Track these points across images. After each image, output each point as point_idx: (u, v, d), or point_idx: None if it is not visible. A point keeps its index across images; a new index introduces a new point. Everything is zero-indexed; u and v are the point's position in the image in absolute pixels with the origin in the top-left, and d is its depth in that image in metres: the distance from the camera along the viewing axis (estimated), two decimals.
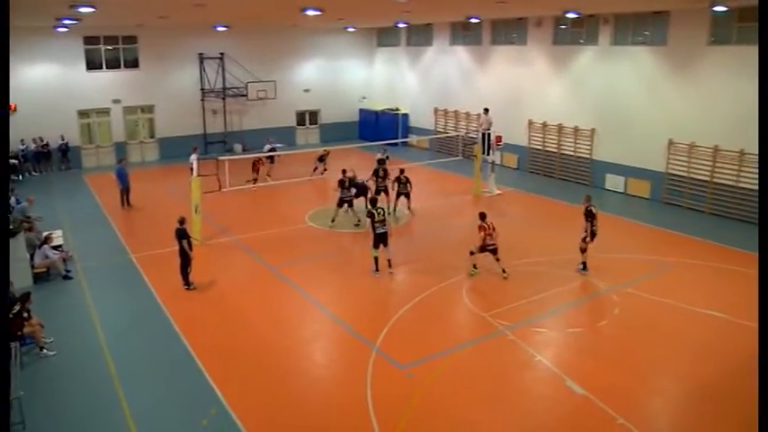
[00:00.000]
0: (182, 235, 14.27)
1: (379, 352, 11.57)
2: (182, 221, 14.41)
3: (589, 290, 14.63)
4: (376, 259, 15.43)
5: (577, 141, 25.97)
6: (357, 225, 19.25)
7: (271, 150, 25.47)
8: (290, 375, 10.95)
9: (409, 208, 20.77)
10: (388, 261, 15.54)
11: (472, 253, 15.27)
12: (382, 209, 15.51)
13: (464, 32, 31.51)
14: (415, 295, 14.26)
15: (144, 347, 12.03)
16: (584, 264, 15.39)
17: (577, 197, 22.98)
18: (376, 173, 20.57)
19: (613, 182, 24.52)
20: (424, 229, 19.74)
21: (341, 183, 19.25)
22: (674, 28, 21.82)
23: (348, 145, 29.14)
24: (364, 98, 37.40)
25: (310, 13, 19.88)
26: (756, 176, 19.84)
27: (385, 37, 37.53)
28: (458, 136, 29.19)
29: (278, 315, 13.44)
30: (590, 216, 15.57)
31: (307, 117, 37.05)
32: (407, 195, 20.58)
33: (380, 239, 15.24)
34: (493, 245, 15.12)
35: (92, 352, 11.75)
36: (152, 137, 32.05)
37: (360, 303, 14.14)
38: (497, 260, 15.19)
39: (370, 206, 15.50)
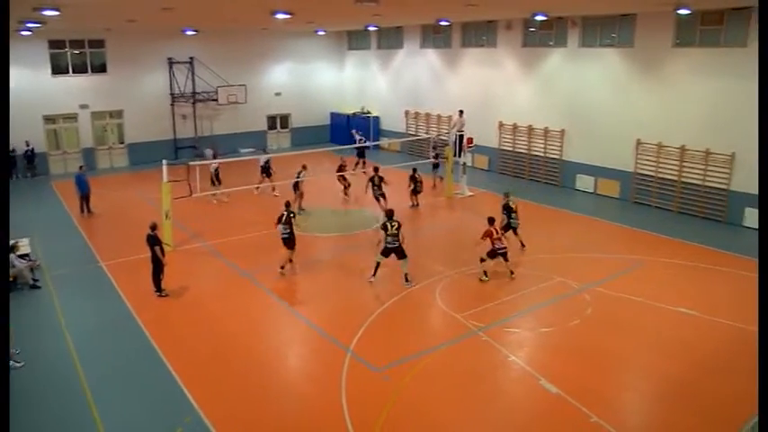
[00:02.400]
0: (153, 241, 14.10)
1: (354, 355, 11.54)
2: (153, 227, 14.24)
3: (561, 289, 14.76)
4: (377, 265, 15.12)
5: (547, 142, 26.23)
6: None
7: (266, 163, 24.62)
8: (265, 380, 10.87)
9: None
10: (405, 275, 15.04)
11: (483, 260, 15.17)
12: (396, 222, 14.94)
13: (434, 35, 31.65)
14: (389, 298, 14.26)
15: (116, 357, 11.84)
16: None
17: (548, 198, 23.38)
18: (372, 180, 21.02)
19: (583, 182, 24.81)
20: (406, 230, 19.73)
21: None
22: (640, 30, 22.18)
23: (320, 149, 28.99)
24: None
25: (280, 16, 19.80)
26: (722, 175, 20.27)
27: (355, 40, 37.54)
28: (429, 138, 29.31)
29: (251, 320, 13.34)
30: (507, 210, 17.04)
31: (278, 121, 36.91)
32: (384, 196, 20.66)
33: (391, 252, 14.92)
34: (504, 248, 15.14)
35: (62, 362, 11.53)
36: (121, 142, 31.60)
37: (333, 307, 14.09)
38: (506, 260, 15.25)
39: (385, 218, 15.13)
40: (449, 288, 14.86)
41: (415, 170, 22.27)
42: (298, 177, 21.45)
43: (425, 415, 9.77)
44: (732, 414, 9.65)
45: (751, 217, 19.54)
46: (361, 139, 26.41)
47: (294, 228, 15.76)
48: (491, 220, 15.32)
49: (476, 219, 20.92)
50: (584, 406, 9.78)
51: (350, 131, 25.68)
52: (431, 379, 10.82)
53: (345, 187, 23.55)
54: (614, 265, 16.42)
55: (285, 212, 15.69)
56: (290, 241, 15.70)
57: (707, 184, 20.73)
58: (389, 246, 14.84)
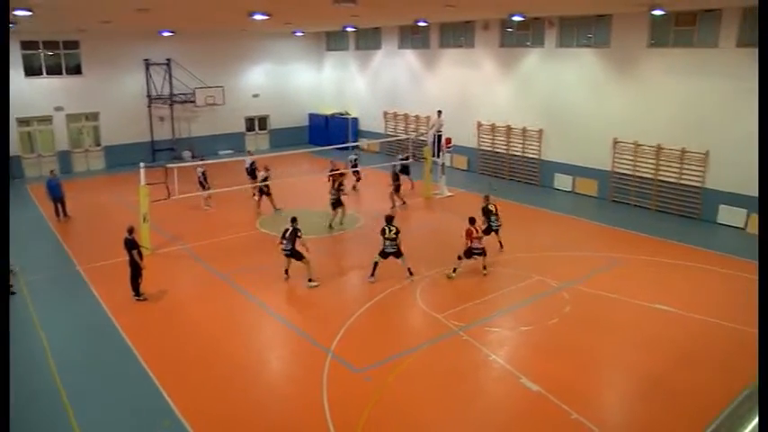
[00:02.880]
0: (131, 245, 13.94)
1: (335, 356, 11.51)
2: (130, 231, 14.08)
3: (540, 288, 14.84)
4: (376, 265, 15.24)
5: (526, 142, 26.37)
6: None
7: (251, 165, 24.09)
8: (246, 383, 10.80)
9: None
10: (409, 270, 15.31)
11: (460, 258, 15.36)
12: (395, 227, 15.11)
13: (412, 36, 31.69)
14: (369, 299, 14.25)
15: (94, 362, 11.68)
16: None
17: (527, 197, 23.50)
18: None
19: (562, 181, 24.99)
20: (376, 232, 19.69)
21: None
22: (616, 30, 22.39)
23: (298, 150, 28.90)
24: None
25: (258, 17, 19.71)
26: (697, 173, 20.54)
27: (334, 41, 37.47)
28: (408, 139, 29.32)
29: (231, 323, 13.24)
30: (487, 213, 17.18)
31: (256, 122, 36.74)
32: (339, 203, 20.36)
33: (390, 255, 15.15)
34: (480, 249, 15.34)
35: (38, 369, 11.35)
36: (98, 145, 31.20)
37: (313, 309, 14.05)
38: (484, 255, 15.50)
39: (385, 223, 15.30)
40: (429, 288, 14.87)
41: (395, 167, 22.33)
42: (263, 180, 21.41)
43: (407, 415, 9.77)
44: (708, 407, 9.74)
45: (725, 214, 19.82)
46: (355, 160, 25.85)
47: (298, 244, 15.03)
48: (472, 220, 15.48)
49: (455, 219, 20.97)
50: (565, 403, 9.84)
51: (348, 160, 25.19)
52: (412, 379, 10.82)
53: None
54: (592, 263, 16.55)
55: (291, 227, 15.03)
56: (294, 255, 15.13)
57: (682, 182, 20.99)
58: (388, 250, 15.14)
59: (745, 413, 1.64)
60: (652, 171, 21.85)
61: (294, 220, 15.18)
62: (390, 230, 15.02)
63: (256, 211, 21.48)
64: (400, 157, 24.52)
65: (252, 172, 23.91)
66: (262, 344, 12.58)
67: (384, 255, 15.18)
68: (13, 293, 14.75)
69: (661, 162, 21.58)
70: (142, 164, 17.77)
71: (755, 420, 1.62)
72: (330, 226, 19.67)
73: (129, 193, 22.11)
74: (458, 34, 29.18)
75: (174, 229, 19.60)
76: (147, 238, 17.35)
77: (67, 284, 15.59)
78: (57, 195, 21.22)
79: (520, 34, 26.18)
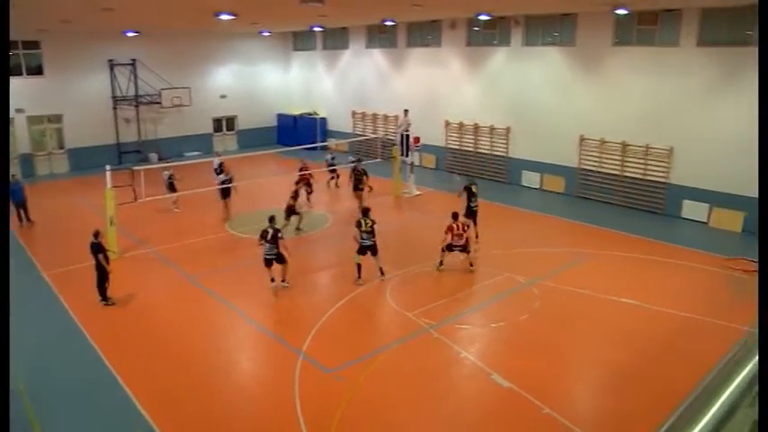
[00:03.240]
0: (97, 249, 13.67)
1: (306, 357, 11.44)
2: (96, 234, 13.81)
3: (509, 285, 14.94)
4: (359, 266, 14.94)
5: (493, 140, 26.55)
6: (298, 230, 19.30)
7: (219, 166, 23.13)
8: (217, 387, 10.66)
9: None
10: (380, 269, 15.10)
11: (444, 250, 15.54)
12: (371, 220, 14.92)
13: (380, 35, 31.69)
14: (339, 298, 14.17)
15: (61, 371, 11.37)
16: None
17: (495, 195, 23.65)
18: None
19: (529, 178, 25.20)
20: (344, 231, 19.65)
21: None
22: (581, 29, 22.67)
23: (266, 151, 28.71)
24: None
25: (224, 17, 19.55)
26: (662, 169, 20.88)
27: (301, 41, 37.30)
28: (376, 138, 29.32)
29: (201, 326, 13.06)
30: (469, 192, 17.94)
31: (224, 123, 36.38)
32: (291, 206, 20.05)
33: (367, 250, 14.90)
34: (461, 245, 15.40)
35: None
36: (61, 148, 30.58)
37: (284, 310, 13.96)
38: (468, 252, 15.59)
39: (360, 215, 15.18)
40: (399, 287, 14.87)
41: (355, 162, 22.38)
42: (223, 183, 20.90)
43: (380, 414, 9.75)
44: (677, 397, 9.91)
45: (689, 209, 20.19)
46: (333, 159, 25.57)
47: (281, 246, 14.37)
48: (455, 216, 15.57)
49: (424, 218, 21.14)
50: (536, 398, 9.91)
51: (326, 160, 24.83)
52: (384, 378, 10.80)
53: (309, 193, 22.60)
54: (561, 258, 16.72)
55: (271, 229, 14.26)
56: (278, 259, 14.48)
57: (647, 177, 21.33)
58: (364, 243, 14.85)
59: (742, 359, 1.69)
60: (618, 167, 22.16)
61: (272, 219, 14.65)
62: (366, 223, 14.84)
63: (223, 216, 20.95)
64: (351, 159, 24.24)
65: (220, 172, 23.61)
66: (232, 346, 12.44)
67: (362, 250, 14.89)
68: None
69: (626, 158, 21.89)
70: (108, 166, 17.46)
71: (752, 363, 1.66)
72: (297, 228, 19.39)
73: (94, 197, 21.70)
74: (425, 33, 29.26)
75: (142, 233, 19.32)
76: (114, 242, 17.03)
77: (31, 291, 15.19)
78: (19, 200, 20.71)
79: (486, 33, 26.34)
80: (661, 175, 20.93)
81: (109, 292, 14.04)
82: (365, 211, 15.30)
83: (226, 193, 20.99)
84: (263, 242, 14.31)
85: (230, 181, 20.97)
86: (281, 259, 14.47)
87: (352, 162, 23.16)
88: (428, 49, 29.18)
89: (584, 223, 20.15)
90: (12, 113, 28.49)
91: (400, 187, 24.13)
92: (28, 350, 12.22)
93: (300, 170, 22.59)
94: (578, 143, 23.18)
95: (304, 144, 27.94)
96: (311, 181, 22.48)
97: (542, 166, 24.68)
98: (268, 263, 14.43)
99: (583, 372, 11.26)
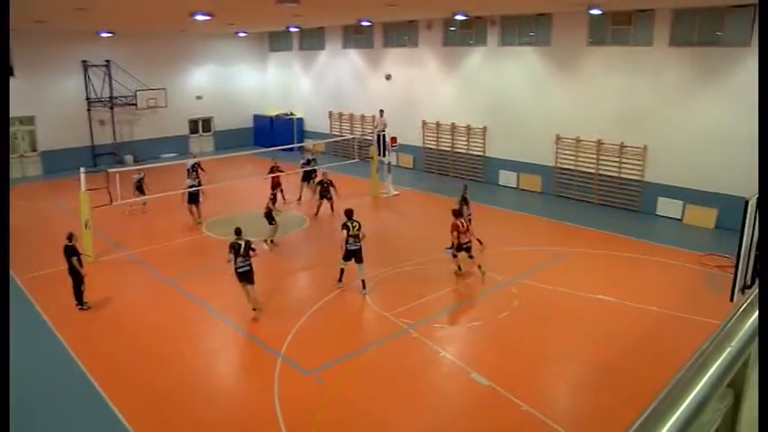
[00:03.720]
0: (71, 252, 13.49)
1: (285, 359, 11.40)
2: (70, 237, 13.61)
3: (487, 283, 15.02)
4: (342, 271, 14.50)
5: (470, 140, 26.68)
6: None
7: (192, 167, 22.57)
8: (195, 390, 10.59)
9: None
10: (362, 281, 14.40)
11: (455, 255, 15.09)
12: (357, 222, 14.26)
13: (356, 35, 31.67)
14: (317, 300, 14.15)
15: (37, 380, 11.14)
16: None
17: (473, 194, 23.44)
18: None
19: (506, 177, 25.35)
20: (323, 232, 19.67)
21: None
22: (556, 29, 22.86)
23: (243, 152, 28.51)
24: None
25: (199, 17, 19.41)
26: (636, 167, 21.13)
27: (277, 41, 37.17)
28: (353, 138, 29.32)
29: (179, 329, 12.95)
30: (465, 201, 17.30)
31: (200, 125, 36.11)
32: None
33: (353, 255, 14.25)
34: (468, 242, 15.01)
35: None
36: (34, 150, 30.09)
37: (262, 311, 13.89)
38: (471, 257, 15.09)
39: (345, 217, 14.40)
40: (377, 287, 14.86)
41: (324, 173, 21.42)
42: (191, 187, 19.98)
43: (360, 414, 9.76)
44: (654, 392, 10.04)
45: (663, 206, 20.45)
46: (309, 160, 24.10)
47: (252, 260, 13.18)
48: (456, 213, 15.08)
49: (402, 218, 21.20)
50: (515, 396, 9.97)
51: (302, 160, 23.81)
52: (363, 379, 10.82)
53: (281, 192, 21.75)
54: (538, 257, 16.85)
55: (243, 242, 13.03)
56: (249, 275, 13.13)
57: (622, 176, 21.57)
58: (351, 248, 14.16)
59: (712, 353, 1.74)
60: (593, 166, 22.38)
61: (239, 231, 13.33)
62: (354, 226, 14.18)
63: (194, 219, 20.23)
64: (303, 161, 23.48)
65: (194, 171, 23.34)
66: (211, 349, 12.35)
67: (348, 256, 14.27)
68: None
69: (602, 157, 22.12)
70: (82, 169, 17.24)
71: (722, 357, 1.71)
72: (271, 241, 18.30)
73: (68, 200, 21.45)
74: (401, 34, 29.30)
75: (118, 236, 19.10)
76: (89, 245, 16.84)
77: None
78: None
79: (463, 33, 26.46)
80: (636, 172, 21.18)
81: (84, 297, 13.86)
82: (349, 214, 14.49)
83: (193, 198, 19.94)
84: (231, 257, 12.95)
85: (199, 184, 20.24)
86: (250, 278, 13.09)
87: (307, 162, 22.94)
88: (405, 49, 29.23)
89: (562, 222, 20.32)
90: None
91: (378, 187, 24.14)
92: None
93: (271, 170, 21.97)
94: (554, 142, 23.36)
95: (281, 145, 27.82)
96: (279, 180, 21.78)
97: (519, 165, 24.84)
98: (244, 276, 13.03)
99: (561, 369, 11.36)
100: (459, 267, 15.29)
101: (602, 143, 21.96)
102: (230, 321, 13.28)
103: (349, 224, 14.26)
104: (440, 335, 12.46)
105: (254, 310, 13.30)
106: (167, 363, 11.57)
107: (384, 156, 24.39)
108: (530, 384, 10.53)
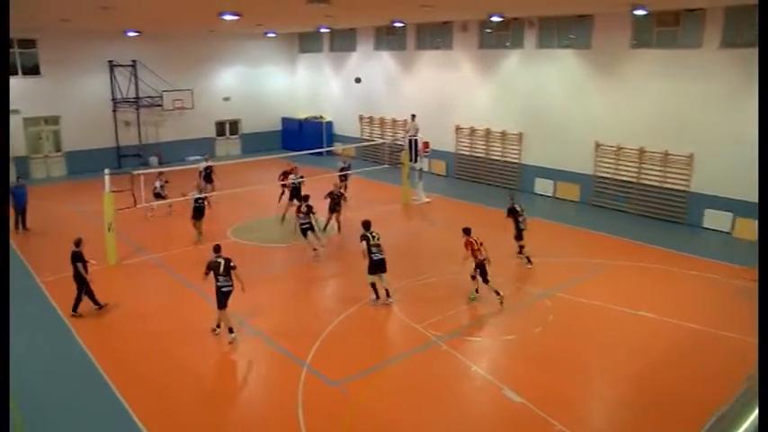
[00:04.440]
0: (77, 258, 13.70)
1: (310, 369, 11.43)
2: (77, 243, 13.82)
3: (522, 296, 14.92)
4: (374, 285, 14.31)
5: (505, 146, 26.57)
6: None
7: (206, 170, 23.36)
8: (217, 398, 10.69)
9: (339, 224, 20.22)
10: (386, 291, 14.34)
11: (473, 277, 14.45)
12: (377, 233, 14.30)
13: (388, 37, 31.80)
14: (345, 309, 14.19)
15: (55, 385, 11.37)
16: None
17: (506, 202, 23.54)
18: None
19: (542, 186, 25.19)
20: (352, 240, 19.65)
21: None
22: (597, 31, 22.69)
23: (271, 155, 28.74)
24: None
25: (228, 17, 19.66)
26: (681, 177, 20.82)
27: (307, 42, 37.46)
28: (384, 143, 29.36)
29: (201, 335, 13.03)
30: (513, 212, 17.02)
31: (227, 127, 36.56)
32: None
33: (379, 266, 14.12)
34: (484, 260, 14.33)
35: None
36: (58, 150, 30.79)
37: (288, 320, 13.97)
38: (487, 281, 14.29)
39: (363, 229, 14.37)
40: (407, 297, 14.85)
41: (335, 184, 20.54)
42: (198, 200, 19.24)
43: (386, 428, 9.74)
44: (695, 415, 9.85)
45: (711, 218, 20.10)
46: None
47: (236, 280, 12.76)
48: (467, 231, 14.65)
49: (433, 226, 21.16)
50: (549, 414, 9.87)
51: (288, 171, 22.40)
52: (391, 392, 10.80)
53: (281, 194, 21.76)
54: (575, 269, 16.69)
55: (222, 260, 12.68)
56: (229, 295, 12.68)
57: (666, 185, 21.27)
58: (376, 258, 14.06)
59: (742, 410, 1.69)
60: (635, 174, 22.12)
61: (218, 248, 13.02)
62: (374, 237, 14.18)
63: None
64: (342, 165, 23.34)
65: (208, 176, 23.63)
66: (235, 356, 12.43)
67: (374, 268, 14.10)
68: None
69: (644, 165, 21.85)
70: (107, 170, 17.54)
71: (752, 417, 1.67)
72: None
73: (92, 202, 21.81)
74: (435, 36, 29.34)
75: (141, 239, 19.36)
76: (112, 249, 17.14)
77: (25, 299, 15.13)
78: (21, 206, 20.68)
79: (499, 35, 26.41)
80: (681, 182, 20.86)
81: (82, 307, 13.98)
82: (367, 225, 14.45)
83: (198, 214, 19.24)
84: (218, 278, 12.57)
85: (204, 199, 19.46)
86: (228, 299, 12.69)
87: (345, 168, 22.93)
88: (439, 51, 29.26)
89: (600, 232, 20.11)
90: None
91: (409, 194, 24.14)
92: (20, 357, 12.27)
93: (284, 174, 21.56)
94: (594, 149, 23.15)
95: (309, 149, 28.00)
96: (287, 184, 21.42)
97: (556, 173, 24.67)
98: (226, 297, 12.60)
99: (597, 386, 11.22)
100: (477, 291, 14.61)
101: (645, 151, 21.69)
102: (255, 329, 13.35)
103: (369, 235, 14.21)
104: (471, 348, 12.40)
105: (218, 327, 12.88)
106: (187, 368, 11.68)
107: (415, 162, 24.40)
108: (564, 402, 10.41)
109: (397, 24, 27.98)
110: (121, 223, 18.14)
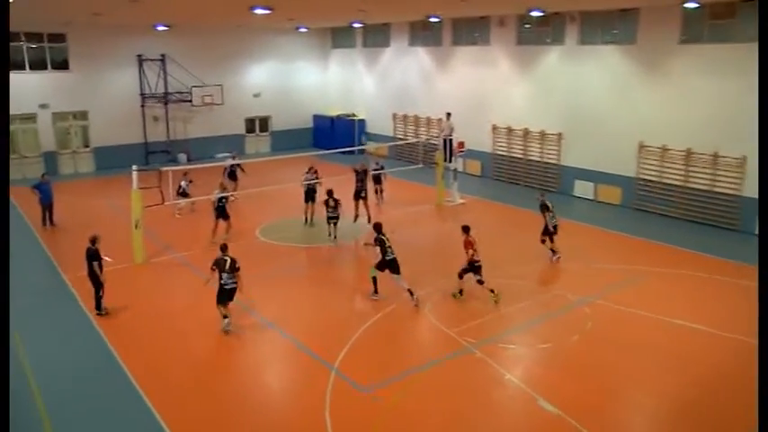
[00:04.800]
0: (93, 256, 13.82)
1: (339, 374, 11.42)
2: (93, 241, 13.96)
3: (559, 303, 14.73)
4: (374, 280, 14.77)
5: (544, 146, 26.33)
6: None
7: (232, 167, 23.85)
8: (243, 402, 10.70)
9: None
10: (409, 291, 14.54)
11: (461, 275, 14.78)
12: (387, 237, 14.79)
13: (424, 32, 31.73)
14: (376, 312, 14.17)
15: (80, 382, 11.50)
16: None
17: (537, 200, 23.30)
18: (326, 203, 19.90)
19: (582, 188, 24.91)
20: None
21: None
22: (643, 26, 22.33)
23: (301, 153, 28.84)
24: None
25: (259, 11, 19.79)
26: (733, 180, 20.38)
27: (340, 38, 37.59)
28: (418, 142, 29.31)
29: (228, 337, 13.11)
30: (545, 209, 17.31)
31: (257, 124, 36.84)
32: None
33: (389, 265, 14.53)
34: (479, 261, 14.64)
35: (18, 392, 10.90)
36: (86, 146, 31.36)
37: (316, 322, 13.97)
38: (481, 282, 14.62)
39: (375, 232, 14.84)
40: (440, 302, 14.78)
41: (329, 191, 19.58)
42: (220, 200, 19.26)
43: None
44: None
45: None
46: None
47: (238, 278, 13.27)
48: (466, 228, 14.82)
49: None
50: (585, 426, 9.71)
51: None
52: (421, 399, 10.71)
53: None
54: (615, 276, 16.43)
55: (228, 258, 13.13)
56: (233, 292, 13.22)
57: (716, 189, 20.84)
58: (389, 257, 14.50)
59: None
60: (681, 177, 21.73)
61: (225, 247, 13.53)
62: (387, 238, 14.66)
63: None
64: (375, 167, 23.41)
65: (232, 174, 23.84)
66: (261, 358, 12.48)
67: (383, 266, 14.57)
68: None
69: (691, 167, 21.46)
70: (135, 166, 17.78)
71: None
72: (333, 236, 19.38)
73: (119, 198, 22.16)
74: (472, 31, 29.21)
75: (168, 237, 19.59)
76: (139, 246, 17.37)
77: (51, 296, 15.45)
78: (47, 201, 21.11)
79: (538, 31, 26.19)
80: (732, 186, 20.40)
81: (104, 302, 14.16)
82: (379, 228, 14.85)
83: (222, 214, 19.32)
84: (221, 275, 13.01)
85: (226, 199, 19.51)
86: (233, 295, 13.24)
87: (375, 170, 22.97)
88: (475, 47, 29.12)
89: (643, 238, 19.78)
90: (35, 109, 29.25)
91: (443, 195, 24.07)
92: (46, 352, 12.50)
93: (309, 171, 21.59)
94: (637, 150, 22.82)
95: (341, 147, 28.05)
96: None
97: (597, 175, 24.36)
98: (229, 295, 13.12)
99: (636, 399, 10.97)
100: (461, 291, 14.88)
101: (693, 152, 21.29)
102: (282, 330, 13.41)
103: (383, 237, 14.65)
104: (505, 356, 12.27)
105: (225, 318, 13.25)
106: (213, 370, 11.77)
107: (450, 162, 24.31)
108: (601, 414, 10.23)
109: (433, 19, 27.92)
110: (149, 220, 18.37)
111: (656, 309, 14.12)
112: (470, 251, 14.57)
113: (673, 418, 10.28)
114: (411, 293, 14.53)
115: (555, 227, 17.37)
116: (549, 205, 17.40)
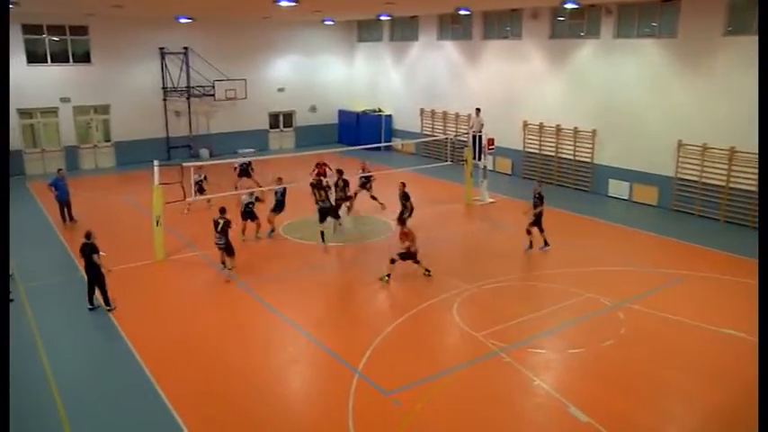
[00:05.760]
0: (91, 250, 14.05)
1: (362, 377, 11.44)
2: (88, 236, 14.22)
3: (592, 306, 14.61)
4: (323, 234, 18.23)
5: (577, 144, 26.14)
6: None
7: (245, 164, 23.88)
8: (264, 404, 10.77)
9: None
10: (426, 270, 16.14)
11: (393, 261, 15.91)
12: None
13: (453, 26, 31.67)
14: (401, 314, 14.17)
15: (99, 380, 11.68)
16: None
17: (577, 205, 23.23)
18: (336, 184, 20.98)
19: (617, 188, 24.69)
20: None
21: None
22: (684, 18, 22.04)
23: (326, 150, 28.91)
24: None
25: (284, 3, 19.89)
26: None
27: (366, 31, 37.65)
28: (446, 139, 29.23)
29: (249, 338, 13.26)
30: (540, 198, 18.00)
31: (281, 119, 37.02)
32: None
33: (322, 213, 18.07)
34: (416, 250, 15.96)
35: (36, 387, 11.35)
36: (107, 140, 31.74)
37: (340, 323, 14.03)
38: (417, 262, 16.01)
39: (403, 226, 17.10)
40: (467, 304, 14.74)
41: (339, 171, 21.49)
42: (249, 203, 19.19)
43: None
44: None
45: None
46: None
47: (230, 238, 16.40)
48: (401, 220, 17.40)
49: (497, 228, 20.96)
50: None
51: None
52: (447, 404, 10.70)
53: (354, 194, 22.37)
54: (651, 280, 16.26)
55: (222, 220, 16.21)
56: (228, 248, 16.42)
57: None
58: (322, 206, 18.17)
59: None
60: (723, 177, 21.43)
61: (223, 210, 16.45)
62: (327, 187, 17.81)
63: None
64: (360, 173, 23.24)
65: (244, 171, 23.81)
66: (283, 360, 12.51)
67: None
68: (12, 300, 14.80)
69: (734, 167, 21.15)
70: (156, 162, 17.93)
71: None
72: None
73: (140, 194, 22.39)
74: (503, 24, 29.08)
75: (189, 233, 19.74)
76: (160, 243, 17.54)
77: (71, 292, 15.59)
78: (63, 197, 21.34)
79: (573, 24, 25.99)
80: None
81: (110, 294, 14.40)
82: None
83: (250, 216, 19.29)
84: (216, 234, 16.24)
85: (253, 204, 19.29)
86: (229, 251, 16.40)
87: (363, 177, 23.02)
88: (506, 41, 28.99)
89: (681, 240, 19.56)
90: (56, 103, 29.66)
91: (471, 194, 24.00)
92: (64, 350, 12.68)
93: (317, 166, 22.57)
94: (676, 149, 22.57)
95: (367, 144, 28.07)
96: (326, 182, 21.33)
97: (633, 175, 24.14)
98: (222, 249, 16.44)
99: (672, 409, 10.84)
100: (388, 275, 15.94)
101: (736, 151, 20.97)
102: (304, 331, 13.47)
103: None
104: (535, 361, 12.20)
105: (223, 265, 16.55)
106: (233, 370, 11.82)
107: (479, 159, 24.22)
108: (635, 426, 10.11)
109: (463, 12, 27.82)
110: (169, 217, 18.55)
111: (696, 315, 13.94)
112: (407, 242, 15.84)
113: (710, 429, 10.17)
114: (427, 271, 16.06)
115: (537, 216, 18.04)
116: (542, 196, 18.05)
